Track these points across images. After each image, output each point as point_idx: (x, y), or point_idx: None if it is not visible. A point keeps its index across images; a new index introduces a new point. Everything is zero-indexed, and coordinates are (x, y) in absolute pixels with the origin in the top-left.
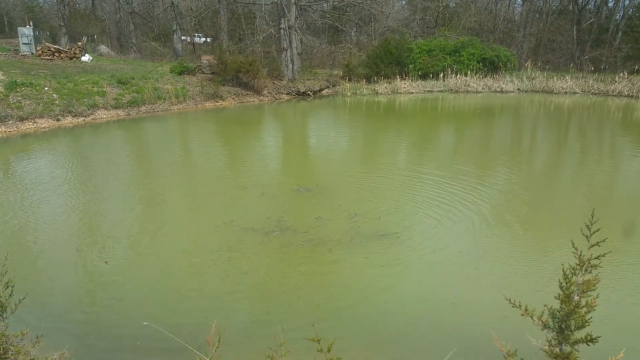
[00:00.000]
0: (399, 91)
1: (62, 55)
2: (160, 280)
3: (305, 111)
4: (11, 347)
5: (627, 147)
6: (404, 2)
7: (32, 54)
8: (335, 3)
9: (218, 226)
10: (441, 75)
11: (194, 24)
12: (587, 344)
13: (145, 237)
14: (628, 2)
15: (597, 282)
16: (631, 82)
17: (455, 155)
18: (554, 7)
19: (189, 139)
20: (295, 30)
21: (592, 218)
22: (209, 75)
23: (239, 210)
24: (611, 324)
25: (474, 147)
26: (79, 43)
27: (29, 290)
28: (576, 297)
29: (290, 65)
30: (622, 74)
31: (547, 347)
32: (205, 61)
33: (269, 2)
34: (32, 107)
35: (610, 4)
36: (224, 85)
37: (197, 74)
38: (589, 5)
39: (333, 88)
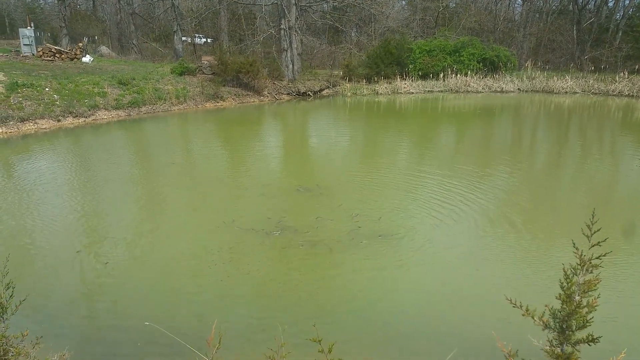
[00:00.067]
0: (399, 91)
1: (63, 56)
2: (161, 280)
3: (305, 111)
4: (11, 349)
5: (628, 146)
6: (404, 2)
7: (33, 55)
8: (335, 4)
9: (218, 226)
10: (441, 75)
11: (195, 25)
12: (589, 344)
13: (146, 238)
14: (628, 2)
15: (598, 282)
16: (631, 82)
17: (456, 155)
18: (554, 7)
19: (190, 140)
20: (296, 30)
21: (592, 218)
22: (210, 76)
23: (240, 211)
24: (613, 324)
25: (474, 147)
26: (80, 44)
27: (30, 291)
28: (577, 297)
29: (291, 66)
30: (622, 74)
31: (548, 348)
32: (205, 62)
33: (269, 3)
34: (33, 108)
35: (611, 4)
36: (224, 85)
37: (198, 75)
38: (589, 5)
39: (333, 88)
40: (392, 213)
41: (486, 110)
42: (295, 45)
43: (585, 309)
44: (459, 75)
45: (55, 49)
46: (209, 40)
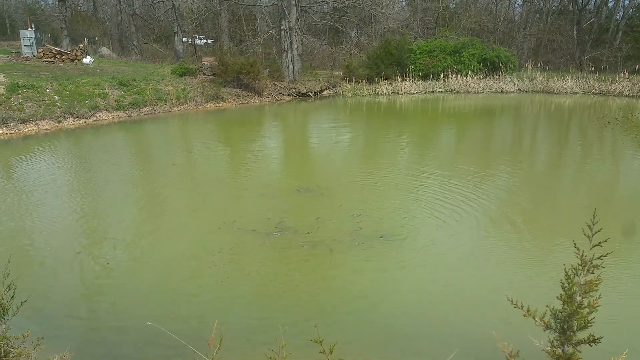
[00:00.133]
0: (399, 92)
1: (63, 57)
2: (161, 281)
3: (306, 112)
4: (12, 350)
5: (628, 146)
6: (404, 3)
7: (34, 56)
8: (335, 4)
9: (219, 227)
10: (442, 75)
11: (195, 26)
12: (590, 345)
13: (146, 239)
14: (628, 2)
15: (599, 283)
16: (632, 82)
17: (457, 156)
18: (554, 8)
19: (190, 140)
20: (296, 31)
21: (593, 218)
22: (210, 77)
23: (240, 211)
24: (614, 325)
25: (475, 148)
26: (81, 45)
27: (30, 292)
28: (578, 298)
29: (291, 67)
30: (622, 74)
31: (549, 348)
32: (206, 63)
33: (270, 4)
34: (33, 109)
35: (610, 4)
36: (224, 86)
37: (198, 76)
38: (589, 6)
39: (334, 89)
40: (393, 213)
41: (487, 111)
42: (295, 46)
43: (587, 310)
44: (459, 75)
45: (56, 50)
46: (209, 41)
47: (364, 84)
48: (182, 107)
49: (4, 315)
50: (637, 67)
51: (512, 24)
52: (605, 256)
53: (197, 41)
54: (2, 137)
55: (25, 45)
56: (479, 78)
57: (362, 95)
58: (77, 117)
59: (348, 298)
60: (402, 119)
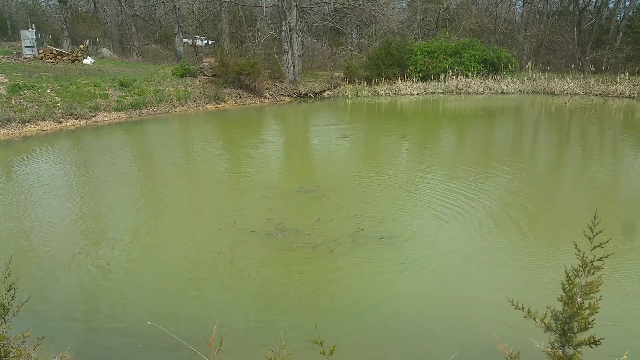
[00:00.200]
0: (400, 93)
1: (64, 58)
2: (162, 282)
3: (306, 113)
4: (12, 350)
5: (629, 148)
6: (404, 4)
7: (35, 56)
8: (336, 5)
9: (219, 228)
10: (442, 76)
11: (196, 27)
12: (590, 346)
13: (147, 239)
14: (629, 3)
15: (600, 284)
16: (632, 83)
17: (458, 157)
18: (554, 9)
19: (191, 141)
20: (297, 32)
21: (594, 220)
22: (211, 78)
23: (240, 212)
24: (614, 326)
25: (476, 149)
26: (81, 46)
27: (31, 293)
28: (579, 299)
29: (292, 67)
30: (623, 75)
31: (550, 350)
32: (206, 63)
33: (270, 5)
34: (34, 110)
35: (611, 5)
36: (225, 87)
37: (199, 77)
38: (590, 7)
39: (334, 90)
40: (394, 214)
41: (487, 112)
42: (296, 47)
43: (587, 311)
44: (459, 76)
45: (57, 50)
46: (210, 42)
47: (365, 84)
48: (182, 107)
49: (5, 316)
50: (637, 68)
51: (513, 25)
52: (606, 257)
53: (198, 42)
54: (3, 137)
55: (26, 46)
56: (480, 79)
57: (363, 96)
58: (78, 117)
59: (348, 299)
60: (402, 120)
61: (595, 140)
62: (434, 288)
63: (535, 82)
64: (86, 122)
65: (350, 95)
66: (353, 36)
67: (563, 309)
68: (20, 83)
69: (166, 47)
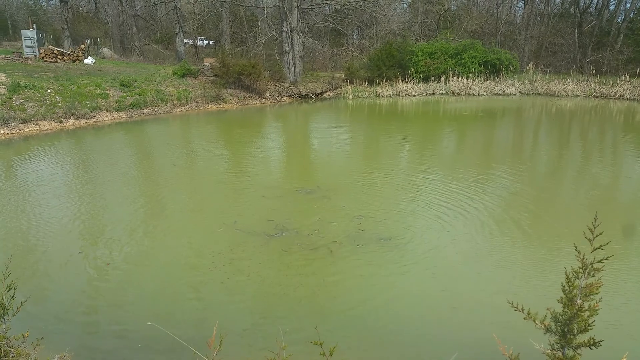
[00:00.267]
0: (400, 94)
1: (65, 57)
2: (162, 282)
3: (307, 113)
4: (12, 350)
5: (630, 149)
6: (405, 5)
7: (35, 56)
8: (337, 6)
9: (220, 229)
10: (443, 78)
11: (197, 27)
12: (590, 348)
13: (147, 240)
14: (629, 5)
15: (600, 286)
16: (633, 85)
17: (459, 158)
18: (555, 10)
19: (191, 142)
20: (298, 33)
21: (595, 221)
22: (212, 78)
23: (241, 213)
24: (614, 329)
25: (477, 150)
26: (82, 46)
27: (31, 293)
28: (579, 301)
29: (292, 68)
30: (623, 77)
31: (549, 351)
32: (207, 64)
33: (271, 6)
34: (34, 110)
35: (612, 7)
36: (226, 87)
37: (200, 77)
38: (591, 9)
39: (335, 90)
40: (395, 216)
41: (488, 113)
42: (297, 48)
43: (587, 313)
44: (460, 78)
45: (58, 50)
46: (210, 42)
47: (365, 85)
48: (183, 108)
49: (4, 316)
50: (638, 70)
51: (514, 26)
52: (606, 259)
53: (199, 42)
54: (3, 137)
55: (26, 46)
56: (480, 80)
57: (364, 97)
58: (79, 117)
59: (348, 301)
60: (403, 121)
61: (596, 141)
62: (435, 290)
63: (535, 84)
64: (87, 122)
65: (351, 96)
66: (354, 37)
67: (563, 311)
68: (21, 83)
69: (167, 47)
